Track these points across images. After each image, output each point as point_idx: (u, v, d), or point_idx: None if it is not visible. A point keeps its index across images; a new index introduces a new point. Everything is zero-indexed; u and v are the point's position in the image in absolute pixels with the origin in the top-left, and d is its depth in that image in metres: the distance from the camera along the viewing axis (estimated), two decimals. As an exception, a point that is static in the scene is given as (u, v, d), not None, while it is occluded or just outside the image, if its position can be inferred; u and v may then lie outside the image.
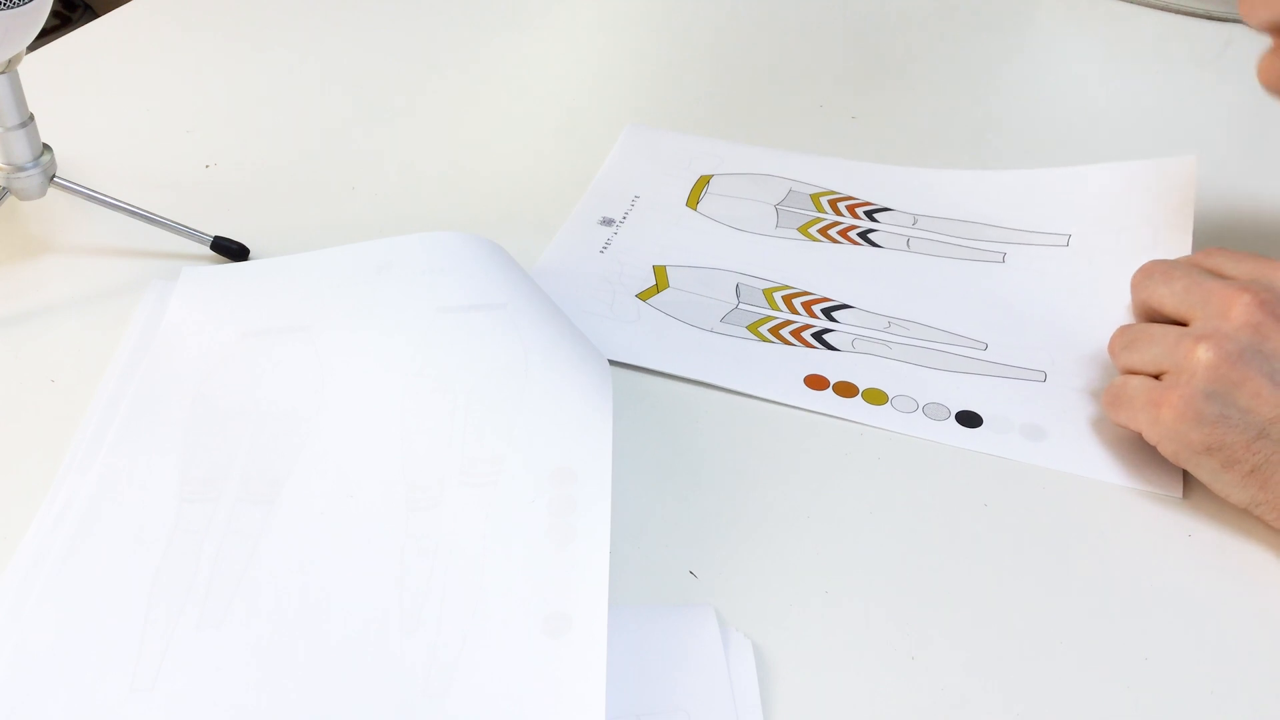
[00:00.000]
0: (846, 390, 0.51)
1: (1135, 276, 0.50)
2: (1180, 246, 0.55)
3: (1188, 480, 0.47)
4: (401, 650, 0.39)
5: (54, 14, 0.50)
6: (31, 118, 0.53)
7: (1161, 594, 0.43)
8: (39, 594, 0.41)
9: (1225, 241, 0.54)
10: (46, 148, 0.54)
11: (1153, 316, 0.49)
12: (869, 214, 0.62)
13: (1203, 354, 0.43)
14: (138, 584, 0.41)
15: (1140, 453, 0.47)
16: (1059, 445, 0.49)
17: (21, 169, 0.53)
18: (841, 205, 0.63)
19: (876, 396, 0.51)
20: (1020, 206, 0.61)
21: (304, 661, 0.39)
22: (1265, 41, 0.49)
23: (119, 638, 0.39)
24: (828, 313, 0.55)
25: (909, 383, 0.51)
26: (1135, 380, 0.46)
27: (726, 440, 0.49)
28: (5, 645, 0.39)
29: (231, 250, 0.58)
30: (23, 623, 0.40)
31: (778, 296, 0.56)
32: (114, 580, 0.41)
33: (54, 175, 0.55)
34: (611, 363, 0.52)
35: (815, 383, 0.51)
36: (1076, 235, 0.59)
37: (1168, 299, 0.47)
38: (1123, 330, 0.48)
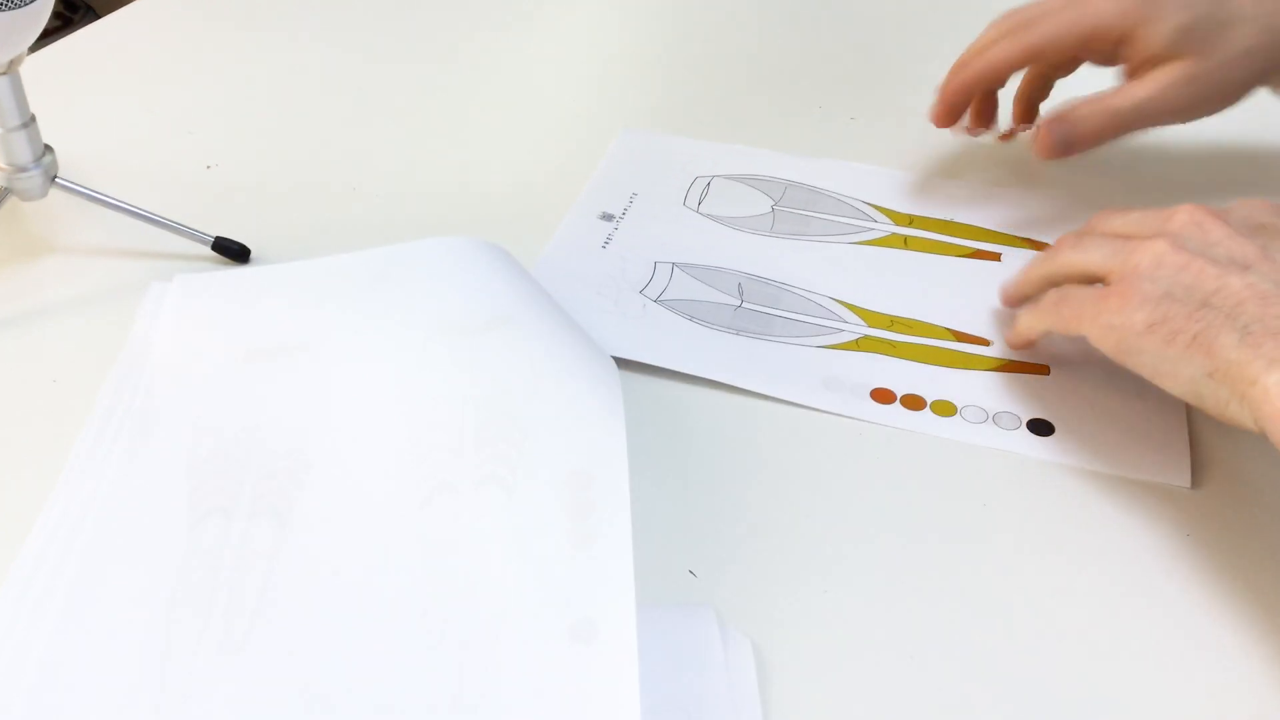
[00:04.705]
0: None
1: (1033, 261, 0.51)
2: None
3: (1195, 471, 0.47)
4: (429, 663, 0.38)
5: (55, 15, 0.50)
6: (33, 118, 0.53)
7: (1163, 594, 0.43)
8: (51, 629, 0.40)
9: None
10: (48, 148, 0.54)
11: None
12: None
13: (1147, 250, 0.44)
14: (155, 610, 0.40)
15: (1148, 443, 0.47)
16: (1066, 439, 0.49)
17: (23, 170, 0.53)
18: None
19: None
20: (1014, 217, 0.62)
21: (331, 679, 0.38)
22: None
23: (140, 667, 0.38)
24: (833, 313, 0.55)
25: (918, 382, 0.51)
26: (1079, 287, 0.47)
27: (726, 440, 0.49)
28: (20, 679, 0.38)
29: (233, 250, 0.58)
30: (37, 657, 0.39)
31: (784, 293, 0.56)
32: (129, 608, 0.40)
33: (55, 176, 0.55)
34: (618, 360, 0.52)
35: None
36: None
37: (1086, 260, 0.47)
38: (1067, 235, 0.50)
